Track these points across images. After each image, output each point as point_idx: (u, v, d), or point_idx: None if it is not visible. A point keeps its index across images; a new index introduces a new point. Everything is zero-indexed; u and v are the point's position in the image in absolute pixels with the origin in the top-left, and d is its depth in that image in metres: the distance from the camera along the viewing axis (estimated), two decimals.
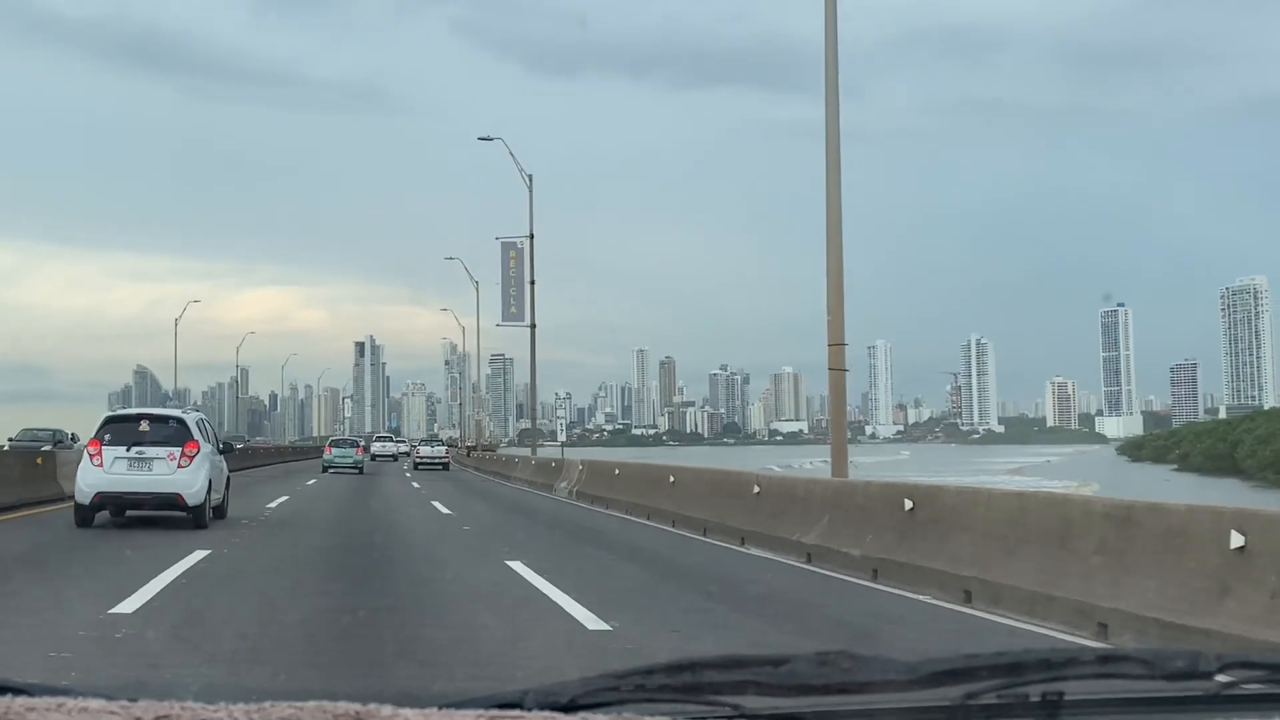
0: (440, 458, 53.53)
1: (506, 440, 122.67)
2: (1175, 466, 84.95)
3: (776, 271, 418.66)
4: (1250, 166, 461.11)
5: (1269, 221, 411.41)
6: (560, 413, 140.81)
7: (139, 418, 16.29)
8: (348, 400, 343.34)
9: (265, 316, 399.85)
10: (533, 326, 48.93)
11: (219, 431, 22.81)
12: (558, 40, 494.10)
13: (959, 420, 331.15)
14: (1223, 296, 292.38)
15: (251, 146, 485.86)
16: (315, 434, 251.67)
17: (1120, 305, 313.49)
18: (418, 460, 53.84)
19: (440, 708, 1.05)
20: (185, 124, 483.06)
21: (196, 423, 16.42)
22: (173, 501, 15.01)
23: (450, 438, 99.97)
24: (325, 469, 43.93)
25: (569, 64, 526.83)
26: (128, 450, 15.04)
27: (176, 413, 17.44)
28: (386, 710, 0.97)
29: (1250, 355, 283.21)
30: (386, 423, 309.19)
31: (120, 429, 15.66)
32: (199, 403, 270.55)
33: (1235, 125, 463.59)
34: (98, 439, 15.41)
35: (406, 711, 0.98)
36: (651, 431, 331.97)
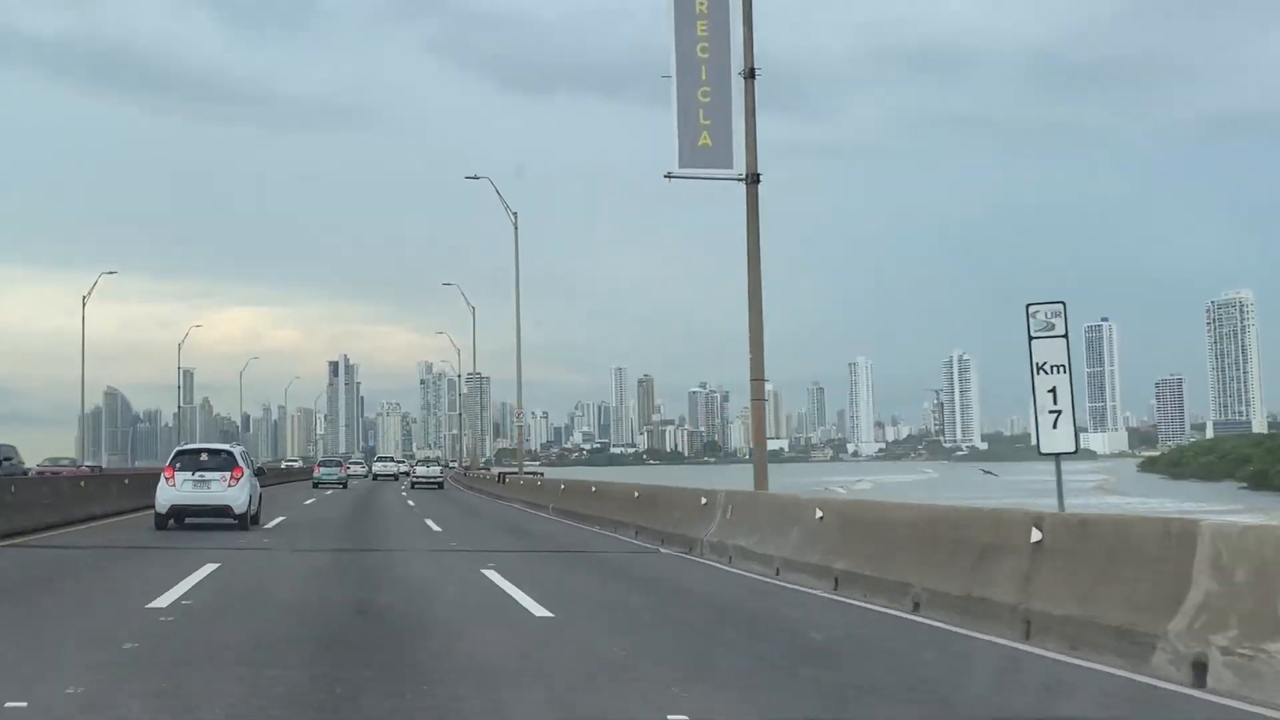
0: (435, 477, 58.74)
1: (485, 459, 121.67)
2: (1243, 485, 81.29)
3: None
4: (1230, 182, 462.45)
5: (1251, 236, 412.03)
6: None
7: (199, 451, 22.37)
8: (321, 418, 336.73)
9: (239, 336, 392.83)
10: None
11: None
12: (531, 58, 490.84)
13: (942, 437, 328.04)
14: (1208, 311, 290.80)
15: (221, 164, 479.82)
16: (288, 454, 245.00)
17: (1104, 320, 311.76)
18: (415, 480, 58.79)
19: None
20: (152, 140, 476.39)
21: (241, 454, 21.98)
22: (225, 511, 20.54)
23: (437, 457, 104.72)
24: (315, 485, 50.68)
25: (542, 82, 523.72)
26: (192, 474, 20.60)
27: (226, 447, 23.35)
28: None
29: (1236, 370, 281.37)
30: (362, 442, 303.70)
31: (186, 459, 21.20)
32: (169, 423, 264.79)
33: (1213, 140, 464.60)
34: (171, 466, 20.91)
35: None
36: (630, 450, 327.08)
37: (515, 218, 45.66)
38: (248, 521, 20.72)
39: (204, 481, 20.37)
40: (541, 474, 52.12)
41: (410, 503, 36.81)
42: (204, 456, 21.33)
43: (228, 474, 20.44)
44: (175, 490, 20.32)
